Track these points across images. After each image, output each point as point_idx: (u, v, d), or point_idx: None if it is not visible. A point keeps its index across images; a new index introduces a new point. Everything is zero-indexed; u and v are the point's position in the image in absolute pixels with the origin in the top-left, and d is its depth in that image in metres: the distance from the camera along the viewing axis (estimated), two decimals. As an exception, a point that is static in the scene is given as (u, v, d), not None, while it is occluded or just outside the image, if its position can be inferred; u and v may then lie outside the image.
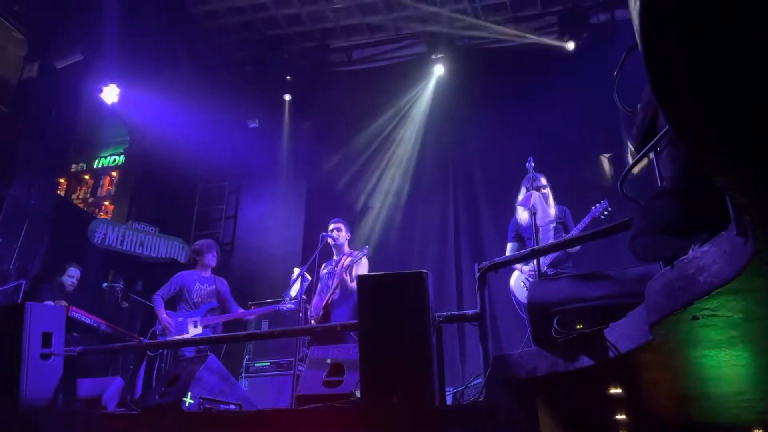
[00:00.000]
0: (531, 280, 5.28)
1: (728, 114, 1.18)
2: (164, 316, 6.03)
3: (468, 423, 3.11)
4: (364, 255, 5.93)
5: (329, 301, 5.89)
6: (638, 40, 1.20)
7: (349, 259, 6.00)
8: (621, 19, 8.44)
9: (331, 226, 6.26)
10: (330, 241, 6.13)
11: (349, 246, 6.31)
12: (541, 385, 2.93)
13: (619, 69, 2.87)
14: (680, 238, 2.26)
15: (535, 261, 4.62)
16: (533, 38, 8.52)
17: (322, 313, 5.88)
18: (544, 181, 5.46)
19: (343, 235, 6.22)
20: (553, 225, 5.30)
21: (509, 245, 5.63)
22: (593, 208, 5.21)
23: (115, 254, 8.95)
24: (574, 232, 5.19)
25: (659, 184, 2.80)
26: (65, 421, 3.90)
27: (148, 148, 10.52)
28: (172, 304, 6.26)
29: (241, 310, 6.44)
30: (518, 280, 5.63)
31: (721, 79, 1.13)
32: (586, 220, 5.21)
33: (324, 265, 6.27)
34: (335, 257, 6.24)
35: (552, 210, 5.37)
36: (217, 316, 6.29)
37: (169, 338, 5.91)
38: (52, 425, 3.84)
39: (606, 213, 5.11)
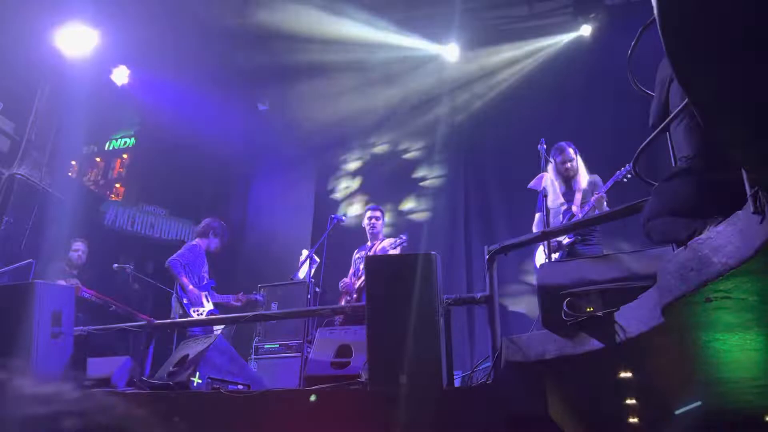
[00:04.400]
0: (559, 253, 5.22)
1: (745, 82, 1.13)
2: (191, 287, 5.99)
3: (476, 405, 3.09)
4: (400, 244, 5.90)
5: (362, 285, 5.89)
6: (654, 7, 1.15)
7: (382, 245, 6.02)
8: (636, 0, 8.29)
9: (368, 213, 6.26)
10: (367, 228, 6.14)
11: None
12: (550, 368, 2.90)
13: (634, 47, 2.80)
14: (695, 219, 2.21)
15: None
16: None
17: (355, 296, 5.90)
18: (572, 153, 5.38)
19: (380, 223, 6.25)
20: (564, 207, 5.24)
21: (537, 215, 5.55)
22: (617, 171, 5.16)
23: (125, 236, 8.99)
24: (595, 197, 5.14)
25: (673, 164, 2.74)
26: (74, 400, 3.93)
27: (159, 131, 10.50)
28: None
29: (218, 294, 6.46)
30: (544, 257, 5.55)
31: (738, 45, 1.08)
32: (609, 183, 5.18)
33: (357, 250, 6.30)
34: (369, 243, 6.24)
35: (584, 179, 5.32)
36: (219, 296, 6.33)
37: (192, 309, 5.93)
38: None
39: (629, 176, 5.05)
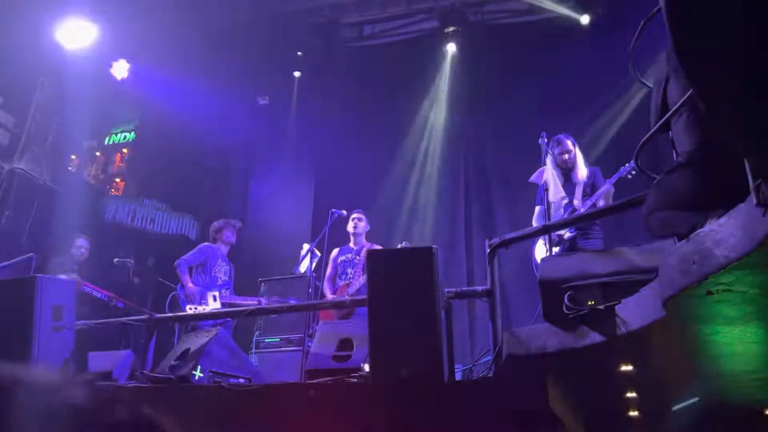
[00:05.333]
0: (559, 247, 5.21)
1: (752, 72, 1.13)
2: (190, 284, 6.13)
3: (476, 399, 3.10)
4: None
5: (354, 294, 5.87)
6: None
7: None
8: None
9: (354, 215, 6.29)
10: (350, 229, 6.17)
11: (368, 237, 6.32)
12: (551, 361, 2.90)
13: (636, 40, 2.80)
14: (697, 213, 2.21)
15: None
16: (548, 5, 8.33)
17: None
18: (570, 145, 5.37)
19: (363, 225, 6.28)
20: (565, 201, 5.23)
21: (537, 208, 5.54)
22: (621, 168, 5.15)
23: (126, 230, 8.99)
24: (604, 189, 5.12)
25: (675, 158, 2.74)
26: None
27: (159, 125, 10.49)
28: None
29: (241, 297, 6.52)
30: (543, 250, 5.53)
31: (744, 33, 1.08)
32: (614, 179, 5.16)
33: (339, 250, 6.27)
34: (352, 245, 6.23)
35: (582, 171, 5.30)
36: (231, 297, 6.38)
37: (189, 306, 5.99)
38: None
39: (633, 173, 5.04)
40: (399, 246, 5.93)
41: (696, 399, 3.02)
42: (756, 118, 1.24)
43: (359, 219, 6.28)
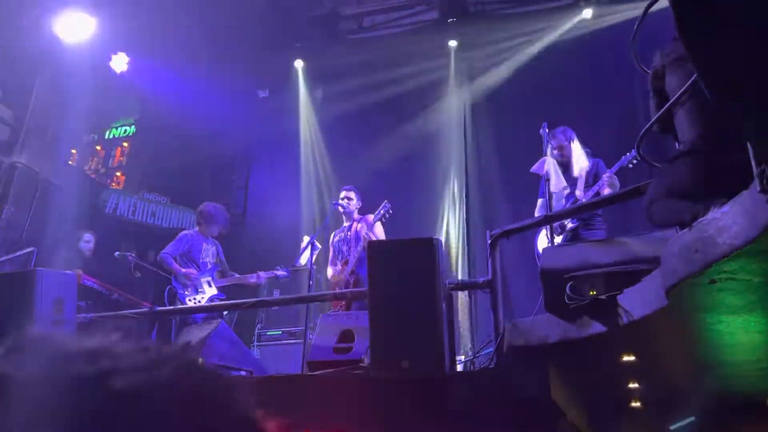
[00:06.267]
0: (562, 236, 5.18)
1: (758, 51, 1.11)
2: (183, 270, 5.97)
3: (478, 390, 3.09)
4: (385, 211, 5.79)
5: (354, 269, 5.83)
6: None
7: (361, 224, 5.96)
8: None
9: (342, 194, 6.21)
10: (340, 208, 6.09)
11: (361, 213, 6.26)
12: (553, 352, 2.89)
13: (638, 27, 2.77)
14: (699, 201, 2.19)
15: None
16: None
17: (352, 279, 5.83)
18: (563, 140, 5.33)
19: (354, 203, 6.17)
20: (567, 192, 5.21)
21: (540, 201, 5.51)
22: (623, 157, 5.11)
23: (127, 224, 8.99)
24: (605, 177, 5.08)
25: (676, 146, 2.72)
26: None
27: (159, 119, 10.47)
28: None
29: (238, 275, 6.40)
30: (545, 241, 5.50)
31: (750, 11, 1.06)
32: (615, 168, 5.12)
33: (334, 233, 6.24)
34: (345, 224, 6.20)
35: (579, 165, 5.27)
36: (226, 279, 6.29)
37: (188, 297, 5.91)
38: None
39: (634, 162, 5.00)
40: (381, 209, 5.81)
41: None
42: (760, 102, 1.22)
43: (348, 198, 6.15)
